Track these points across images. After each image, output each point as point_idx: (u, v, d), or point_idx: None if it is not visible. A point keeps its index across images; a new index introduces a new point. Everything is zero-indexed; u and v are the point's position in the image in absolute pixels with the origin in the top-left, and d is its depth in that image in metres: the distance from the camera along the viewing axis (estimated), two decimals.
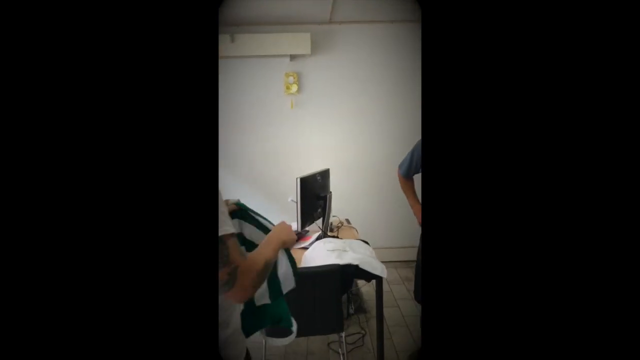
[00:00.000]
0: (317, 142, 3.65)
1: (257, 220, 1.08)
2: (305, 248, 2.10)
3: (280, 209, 3.28)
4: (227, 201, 1.05)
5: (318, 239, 2.22)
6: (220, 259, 0.76)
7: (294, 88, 3.59)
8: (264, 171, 3.67)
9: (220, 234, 0.76)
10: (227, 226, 0.78)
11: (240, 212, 1.07)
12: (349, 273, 1.80)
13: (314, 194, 2.31)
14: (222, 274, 0.76)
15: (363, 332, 2.46)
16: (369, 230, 2.94)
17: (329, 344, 2.34)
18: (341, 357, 2.13)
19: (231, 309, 0.92)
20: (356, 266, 1.80)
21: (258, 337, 1.16)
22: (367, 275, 1.83)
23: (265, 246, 0.92)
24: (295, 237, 1.04)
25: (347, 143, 3.66)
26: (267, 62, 3.54)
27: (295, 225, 2.17)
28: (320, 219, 2.38)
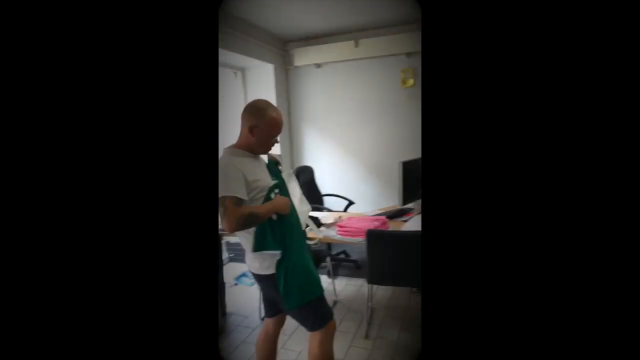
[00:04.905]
0: None
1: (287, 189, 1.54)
2: (406, 221, 2.53)
3: (389, 187, 3.77)
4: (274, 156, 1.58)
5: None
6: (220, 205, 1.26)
7: (410, 82, 3.94)
8: (380, 153, 4.14)
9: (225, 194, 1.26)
10: (230, 192, 1.26)
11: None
12: None
13: (416, 177, 2.68)
14: (220, 211, 1.26)
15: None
16: None
17: None
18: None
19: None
20: None
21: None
22: None
23: (260, 207, 1.36)
24: (288, 209, 1.42)
25: None
26: (386, 61, 3.98)
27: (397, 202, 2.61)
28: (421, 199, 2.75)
